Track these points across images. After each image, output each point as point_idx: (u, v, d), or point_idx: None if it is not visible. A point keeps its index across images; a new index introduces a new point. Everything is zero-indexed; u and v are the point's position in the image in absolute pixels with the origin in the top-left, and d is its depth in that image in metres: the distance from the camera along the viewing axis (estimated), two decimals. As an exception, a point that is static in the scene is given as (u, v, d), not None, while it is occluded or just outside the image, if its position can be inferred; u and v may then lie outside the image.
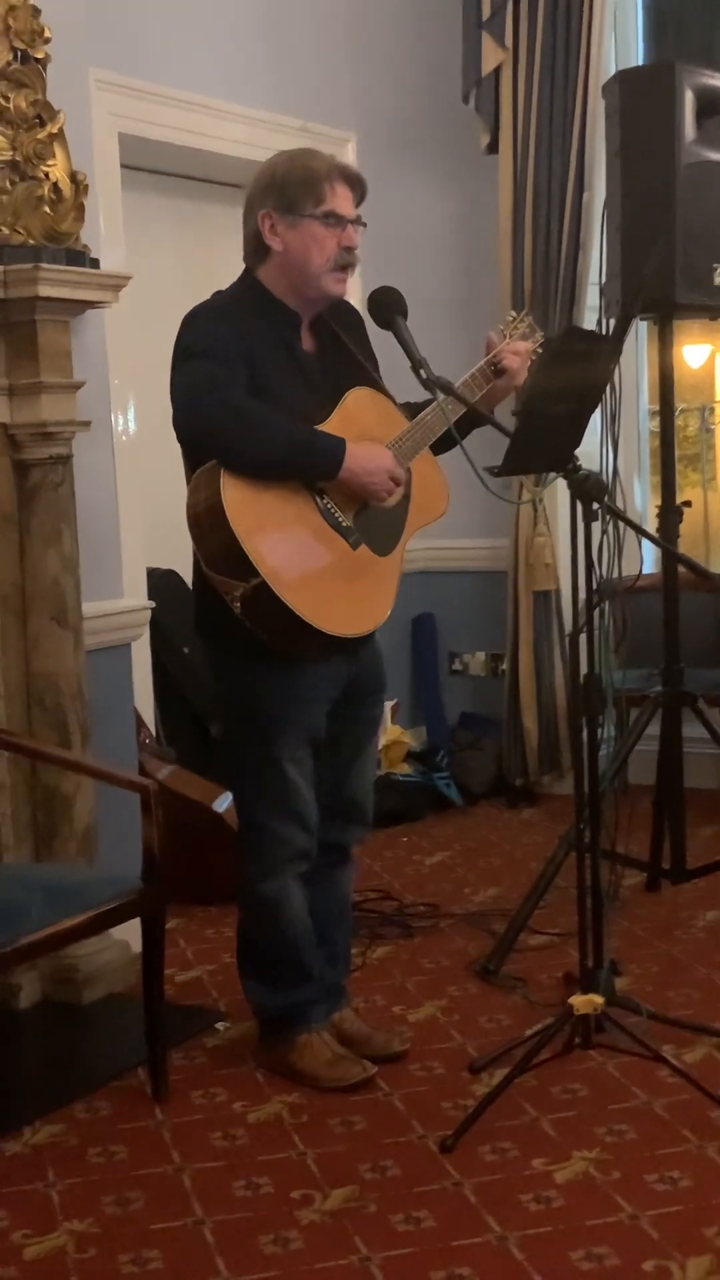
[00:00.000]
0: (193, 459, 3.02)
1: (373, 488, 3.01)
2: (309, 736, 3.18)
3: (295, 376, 3.09)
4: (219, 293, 3.19)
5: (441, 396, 3.06)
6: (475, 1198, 2.74)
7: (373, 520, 3.10)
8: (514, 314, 3.45)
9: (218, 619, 3.01)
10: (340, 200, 3.09)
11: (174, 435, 3.03)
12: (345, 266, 3.11)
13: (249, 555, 2.86)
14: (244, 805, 3.26)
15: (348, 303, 3.32)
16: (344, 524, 3.04)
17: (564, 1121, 3.01)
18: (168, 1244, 2.64)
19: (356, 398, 3.12)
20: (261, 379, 3.00)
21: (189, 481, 3.01)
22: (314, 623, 2.93)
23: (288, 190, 3.07)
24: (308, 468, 2.97)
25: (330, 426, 3.03)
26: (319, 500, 3.00)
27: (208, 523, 2.91)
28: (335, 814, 3.31)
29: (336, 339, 3.21)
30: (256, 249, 3.13)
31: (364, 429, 3.08)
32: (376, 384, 3.20)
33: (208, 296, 3.19)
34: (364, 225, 3.15)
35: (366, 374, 3.20)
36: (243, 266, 3.19)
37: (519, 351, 3.26)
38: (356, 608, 3.07)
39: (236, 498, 2.88)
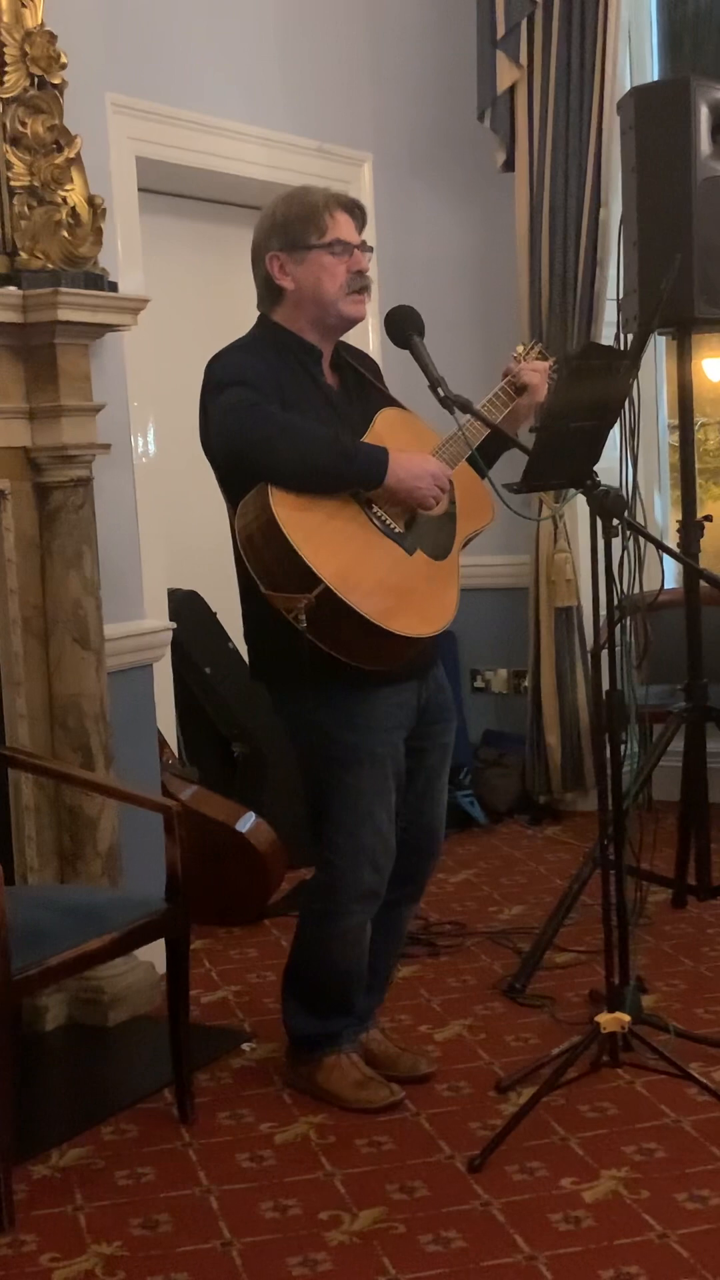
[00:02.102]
0: (232, 490, 3.01)
1: (419, 493, 2.99)
2: (392, 769, 3.15)
3: (323, 407, 3.10)
4: (237, 340, 3.19)
5: (460, 414, 3.07)
6: (504, 1218, 2.73)
7: (424, 528, 3.08)
8: (523, 345, 3.46)
9: (281, 661, 3.00)
10: (343, 227, 3.11)
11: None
12: (360, 290, 3.12)
13: (309, 561, 2.83)
14: (323, 844, 3.20)
15: (363, 351, 3.34)
16: (396, 531, 3.02)
17: (592, 1140, 3.00)
18: (196, 1266, 2.64)
19: (387, 417, 3.13)
20: (292, 408, 3.00)
21: (230, 513, 2.99)
22: (382, 624, 2.89)
23: (290, 228, 3.09)
24: (354, 476, 2.95)
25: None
26: (369, 510, 2.99)
27: (262, 540, 2.89)
28: (410, 847, 3.27)
29: (357, 374, 3.22)
30: (269, 292, 3.15)
31: (399, 446, 3.07)
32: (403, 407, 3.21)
33: (225, 319, 3.22)
34: (370, 250, 3.17)
35: (391, 402, 3.20)
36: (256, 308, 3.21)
37: (538, 369, 3.27)
38: (421, 609, 3.02)
39: (288, 510, 2.86)
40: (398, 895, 3.30)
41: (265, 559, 2.90)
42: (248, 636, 3.19)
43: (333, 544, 2.90)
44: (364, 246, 3.15)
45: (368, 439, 3.05)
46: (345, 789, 3.11)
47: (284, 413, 2.95)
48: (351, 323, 3.17)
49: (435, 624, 3.05)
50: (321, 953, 3.23)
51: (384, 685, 3.08)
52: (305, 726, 3.15)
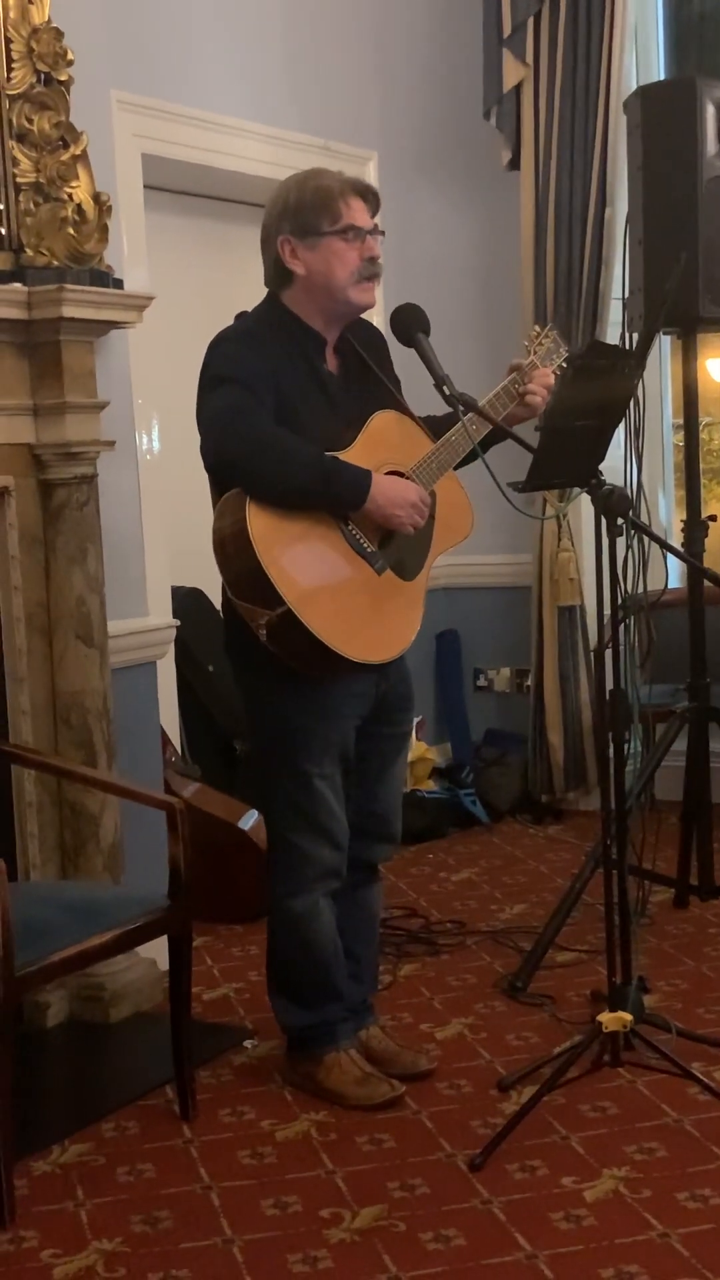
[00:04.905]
0: (218, 484, 3.03)
1: (397, 520, 3.02)
2: (339, 753, 3.18)
3: (319, 399, 3.11)
4: (243, 314, 3.20)
5: (465, 413, 3.07)
6: (505, 1216, 2.73)
7: (398, 544, 3.11)
8: (537, 329, 3.46)
9: (248, 641, 3.01)
10: (356, 213, 3.10)
11: (197, 455, 3.04)
12: (371, 277, 3.12)
13: (274, 583, 2.87)
14: (274, 824, 3.26)
15: (372, 325, 3.34)
16: (369, 550, 3.04)
17: (593, 1139, 3.00)
18: (196, 1263, 2.64)
19: (382, 420, 3.14)
20: (286, 401, 3.02)
21: (215, 506, 3.02)
22: (340, 650, 2.95)
23: (303, 213, 3.08)
24: (333, 499, 2.98)
25: (355, 450, 3.05)
26: (344, 526, 3.01)
27: (233, 549, 2.92)
28: (363, 831, 3.31)
29: (360, 360, 3.22)
30: (279, 274, 3.15)
31: (389, 452, 3.09)
32: (400, 405, 3.21)
33: (230, 317, 3.21)
34: (382, 234, 3.17)
35: (390, 395, 3.21)
36: (265, 285, 3.21)
37: (549, 385, 3.27)
38: (382, 633, 3.08)
39: (262, 525, 2.89)
40: (355, 879, 3.32)
41: (235, 567, 2.94)
42: (224, 616, 3.20)
43: (301, 564, 2.94)
44: (376, 231, 3.14)
45: (360, 440, 3.07)
46: (297, 771, 3.15)
47: (270, 425, 2.96)
48: (360, 309, 3.17)
49: (392, 650, 3.14)
50: (294, 936, 3.24)
51: (344, 676, 3.10)
52: (263, 707, 3.20)
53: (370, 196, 3.15)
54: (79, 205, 3.64)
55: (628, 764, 3.18)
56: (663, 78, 5.52)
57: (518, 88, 5.31)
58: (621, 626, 3.18)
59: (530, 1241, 2.64)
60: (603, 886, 3.10)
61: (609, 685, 3.11)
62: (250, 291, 3.27)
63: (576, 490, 3.09)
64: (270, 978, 3.35)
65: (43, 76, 3.60)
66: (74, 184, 3.65)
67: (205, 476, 3.09)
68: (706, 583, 4.02)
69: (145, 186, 4.40)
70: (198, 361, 3.10)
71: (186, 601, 4.70)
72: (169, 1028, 3.21)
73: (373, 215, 3.15)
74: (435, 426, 3.22)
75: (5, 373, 3.56)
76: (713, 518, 4.06)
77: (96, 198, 3.68)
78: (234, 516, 2.91)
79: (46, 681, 3.69)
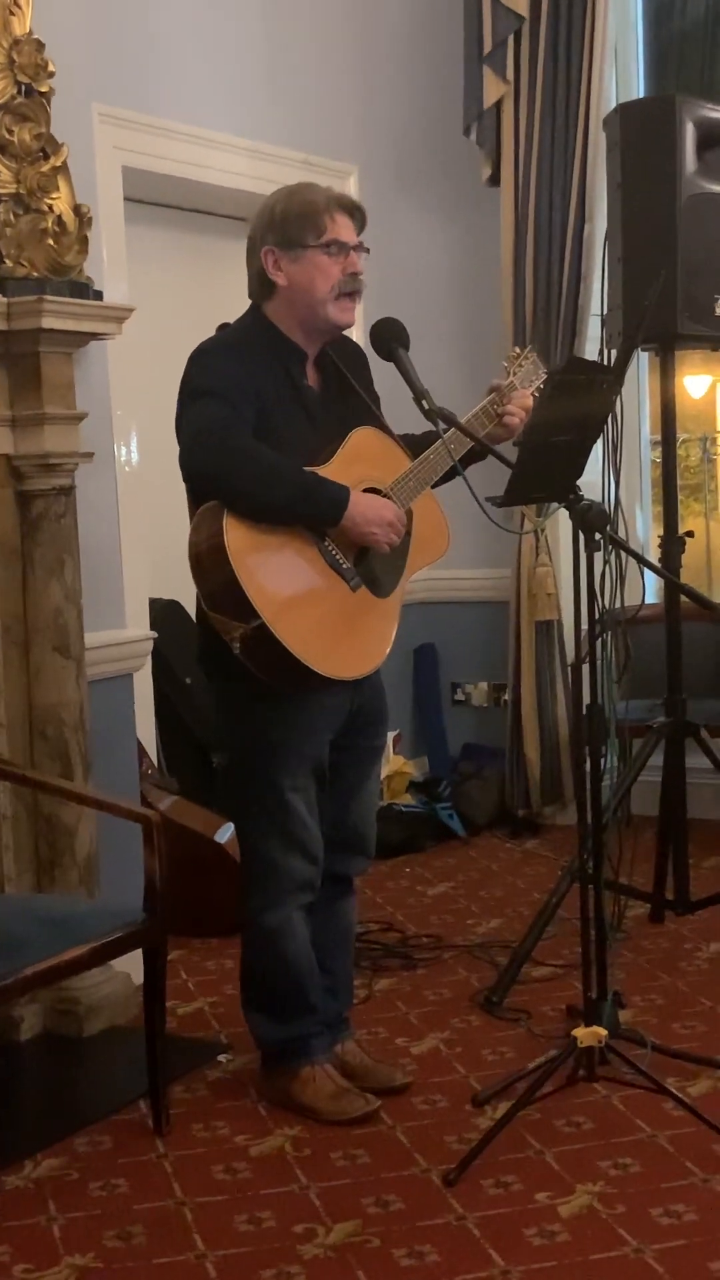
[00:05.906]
0: (196, 495, 3.03)
1: (373, 538, 3.04)
2: (312, 766, 3.18)
3: (299, 413, 3.11)
4: (225, 326, 3.21)
5: (444, 428, 3.08)
6: (479, 1232, 2.72)
7: (374, 561, 3.11)
8: (517, 350, 3.47)
9: (220, 652, 3.02)
10: (341, 228, 3.11)
11: (176, 467, 3.04)
12: (351, 293, 3.13)
13: (249, 597, 2.88)
14: (247, 837, 3.26)
15: (352, 341, 3.34)
16: (344, 565, 3.05)
17: (568, 1155, 2.99)
18: (170, 1278, 2.62)
19: (360, 436, 3.14)
20: (266, 415, 3.02)
21: (192, 518, 3.02)
22: (313, 666, 2.95)
23: (288, 225, 3.09)
24: (311, 515, 2.98)
25: (333, 466, 3.05)
26: (321, 542, 3.02)
27: (209, 562, 2.92)
28: (338, 845, 3.30)
29: (340, 375, 3.23)
30: (262, 286, 3.16)
31: (367, 469, 3.10)
32: (379, 422, 3.21)
33: (210, 329, 3.21)
34: (367, 251, 3.17)
35: (369, 411, 3.22)
36: (245, 298, 3.21)
37: (527, 407, 3.28)
38: (355, 650, 3.09)
39: (239, 539, 2.90)
40: (329, 892, 3.32)
41: (210, 580, 2.95)
42: (198, 626, 3.20)
43: (277, 579, 2.95)
44: (360, 248, 3.15)
45: (338, 456, 3.08)
46: (270, 784, 3.15)
47: (250, 440, 2.96)
48: (339, 328, 3.18)
49: (364, 667, 3.14)
50: (268, 950, 3.23)
51: (317, 690, 3.10)
52: (236, 719, 3.19)
53: (356, 213, 3.17)
54: (59, 217, 3.64)
55: (604, 779, 3.18)
56: (642, 95, 5.55)
57: (498, 104, 5.33)
58: (599, 641, 3.18)
59: (504, 1257, 2.63)
60: (579, 901, 3.10)
61: (586, 700, 3.12)
62: (230, 304, 3.27)
63: (555, 505, 3.08)
64: (244, 991, 3.34)
65: (24, 88, 3.60)
66: (54, 195, 3.65)
67: (184, 488, 3.10)
68: (683, 598, 4.02)
69: (125, 199, 4.40)
70: (177, 374, 3.10)
71: (164, 613, 4.69)
72: (143, 1042, 3.20)
73: (358, 232, 3.16)
74: (412, 445, 3.23)
75: (-16, 383, 3.56)
76: (690, 533, 4.07)
77: (77, 209, 3.68)
78: (210, 529, 2.92)
79: (23, 693, 3.68)
